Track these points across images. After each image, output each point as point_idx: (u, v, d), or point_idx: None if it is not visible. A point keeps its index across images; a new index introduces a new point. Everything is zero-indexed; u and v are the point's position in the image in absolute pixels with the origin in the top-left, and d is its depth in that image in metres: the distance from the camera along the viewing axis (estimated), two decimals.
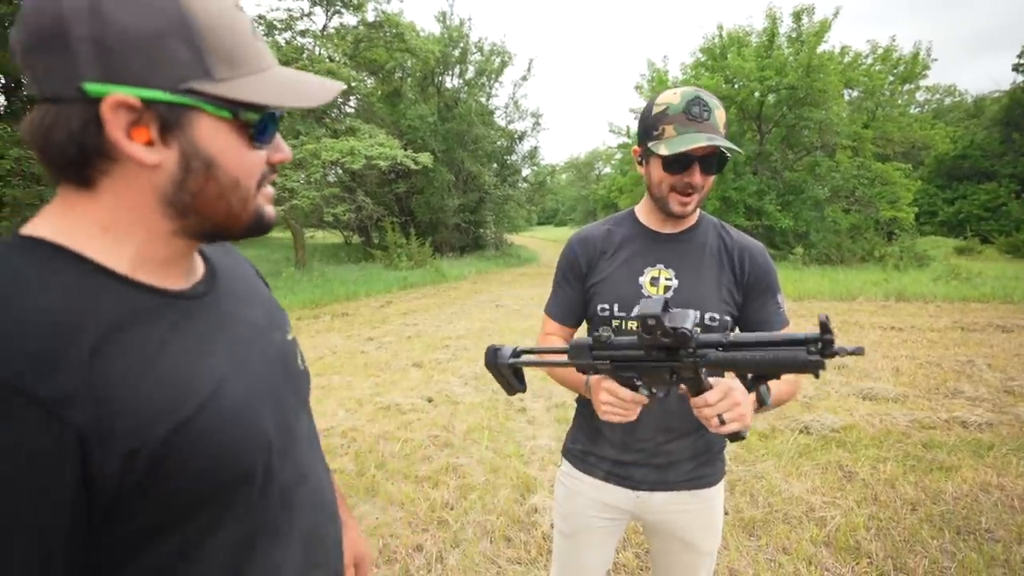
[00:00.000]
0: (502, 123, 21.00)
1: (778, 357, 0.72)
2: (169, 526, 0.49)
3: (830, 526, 2.44)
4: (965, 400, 4.07)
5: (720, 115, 1.05)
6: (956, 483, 2.81)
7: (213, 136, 0.50)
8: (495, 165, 20.65)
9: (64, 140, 0.46)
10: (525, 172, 22.94)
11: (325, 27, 14.06)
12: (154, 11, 0.45)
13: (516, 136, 21.37)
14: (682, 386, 0.87)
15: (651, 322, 0.78)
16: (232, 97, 0.49)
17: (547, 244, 28.45)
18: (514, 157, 21.93)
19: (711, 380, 0.87)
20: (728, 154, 1.05)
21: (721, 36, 16.56)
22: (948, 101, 37.19)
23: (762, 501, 2.66)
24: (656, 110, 1.08)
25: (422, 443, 3.39)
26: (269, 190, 0.58)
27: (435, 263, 13.97)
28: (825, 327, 0.69)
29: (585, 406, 1.25)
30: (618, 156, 24.35)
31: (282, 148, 0.57)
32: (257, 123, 0.52)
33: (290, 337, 0.70)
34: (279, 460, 0.58)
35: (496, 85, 20.34)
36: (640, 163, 1.16)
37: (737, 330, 1.17)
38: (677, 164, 1.05)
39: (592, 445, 1.22)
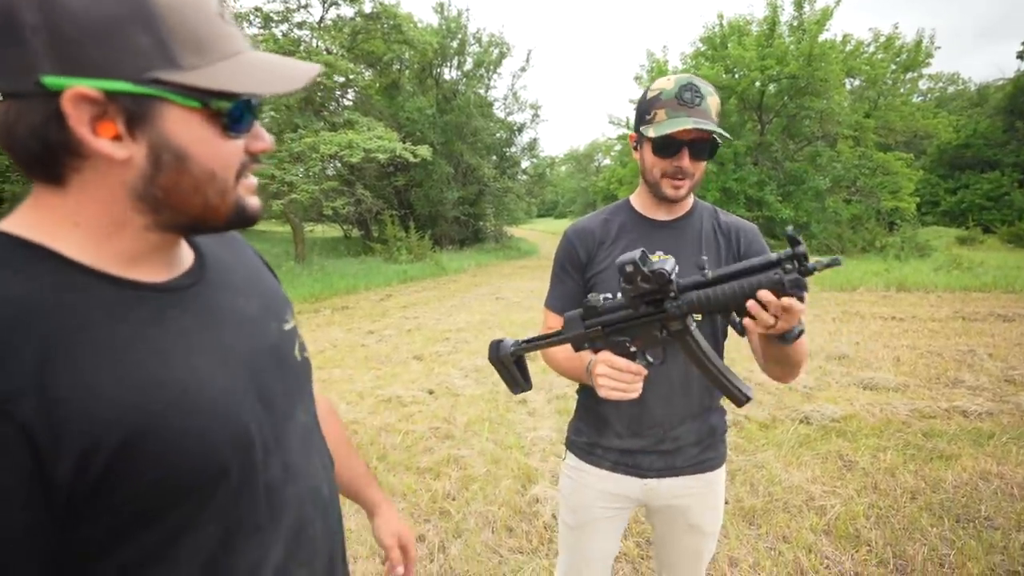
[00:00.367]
0: (501, 115, 20.88)
1: (760, 284, 0.70)
2: (140, 524, 0.48)
3: (830, 515, 2.45)
4: (966, 389, 4.07)
5: (713, 102, 1.06)
6: (956, 472, 2.82)
7: (183, 128, 0.47)
8: (494, 157, 20.56)
9: (27, 136, 0.44)
10: (524, 164, 22.86)
11: (322, 19, 13.94)
12: None
13: (515, 128, 21.25)
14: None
15: (629, 268, 0.78)
16: (200, 86, 0.46)
17: (547, 236, 28.40)
18: (513, 149, 21.84)
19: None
20: (719, 140, 1.06)
21: (722, 25, 16.41)
22: (951, 90, 36.91)
23: (762, 490, 2.68)
24: (650, 95, 1.09)
25: (423, 435, 3.40)
26: (251, 180, 0.55)
27: (435, 256, 13.96)
28: (794, 240, 0.68)
29: (588, 396, 1.25)
30: (618, 147, 24.24)
31: (262, 136, 0.54)
32: (230, 112, 0.49)
33: (288, 327, 0.67)
34: (264, 455, 0.56)
35: (495, 77, 20.24)
36: (635, 148, 1.17)
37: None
38: (667, 148, 1.06)
39: (598, 436, 1.22)
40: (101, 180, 0.47)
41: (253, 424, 0.55)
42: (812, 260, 0.67)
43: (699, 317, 1.13)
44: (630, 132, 1.20)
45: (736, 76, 15.14)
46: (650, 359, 0.89)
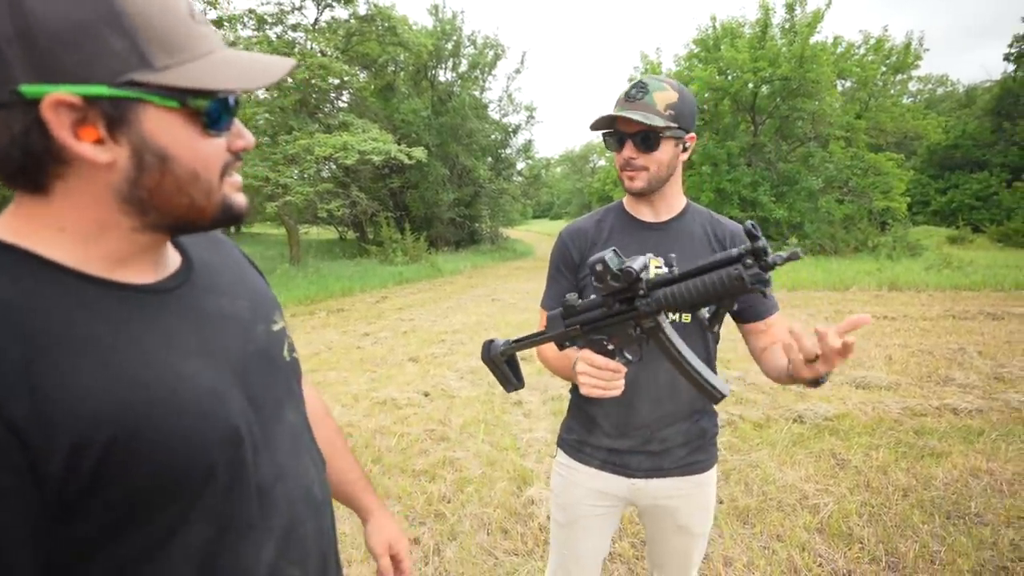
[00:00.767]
0: (496, 117, 20.90)
1: (722, 280, 0.70)
2: (131, 523, 0.48)
3: (823, 513, 2.47)
4: (956, 387, 4.12)
5: (661, 96, 1.09)
6: (946, 469, 2.85)
7: (163, 128, 0.48)
8: (489, 159, 20.58)
9: (8, 146, 0.45)
10: (520, 166, 22.90)
11: (316, 21, 13.92)
12: (78, 3, 0.43)
13: (510, 129, 21.28)
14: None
15: (599, 267, 0.80)
16: (176, 84, 0.46)
17: (542, 237, 28.43)
18: (508, 151, 21.86)
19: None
20: (665, 133, 1.09)
21: (714, 27, 16.49)
22: (940, 91, 37.31)
23: (756, 489, 2.70)
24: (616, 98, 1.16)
25: (419, 437, 3.40)
26: (236, 179, 0.56)
27: (430, 258, 13.94)
28: (751, 234, 0.67)
29: (579, 395, 1.26)
30: None
31: (243, 135, 0.55)
32: (208, 110, 0.50)
33: (277, 328, 0.68)
34: (253, 455, 0.57)
35: (490, 78, 20.23)
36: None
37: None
38: (614, 142, 1.14)
39: (587, 434, 1.24)
40: (85, 185, 0.47)
41: (241, 424, 0.55)
42: (772, 255, 0.68)
43: (688, 317, 1.14)
44: None
45: (729, 78, 15.22)
46: (628, 357, 0.90)
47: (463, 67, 19.43)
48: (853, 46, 16.30)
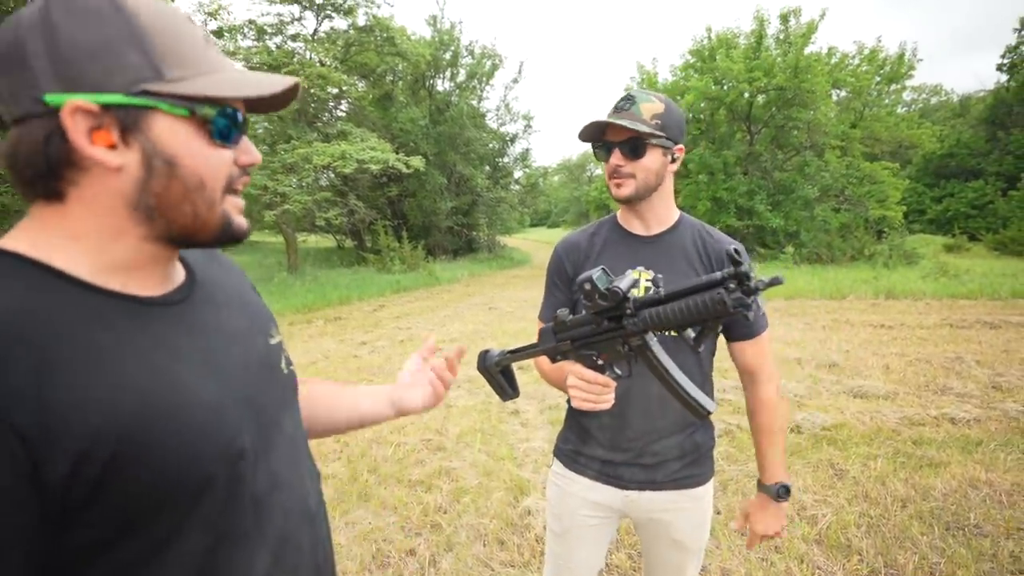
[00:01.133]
0: (494, 126, 21.03)
1: (705, 303, 0.71)
2: (129, 529, 0.49)
3: (821, 524, 2.46)
4: (954, 396, 4.11)
5: (648, 107, 1.12)
6: (945, 479, 2.84)
7: (172, 134, 0.51)
8: (487, 168, 20.67)
9: (31, 153, 0.48)
10: (517, 174, 23.00)
11: (316, 31, 14.03)
12: (102, 21, 0.48)
13: (508, 138, 21.41)
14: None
15: (587, 286, 0.81)
16: (185, 93, 0.50)
17: (540, 246, 28.49)
18: (506, 159, 21.98)
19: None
20: (651, 140, 1.11)
21: (710, 38, 16.67)
22: (934, 100, 37.69)
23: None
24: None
25: (415, 447, 3.38)
26: (239, 201, 0.58)
27: (428, 266, 13.94)
28: (734, 259, 0.68)
29: (571, 404, 1.26)
30: None
31: (250, 151, 0.58)
32: (215, 119, 0.53)
33: (274, 341, 0.70)
34: (251, 467, 0.58)
35: (487, 88, 20.39)
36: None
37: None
38: (602, 151, 1.16)
39: (582, 445, 1.24)
40: (98, 191, 0.50)
41: (240, 435, 0.56)
42: (754, 280, 0.68)
43: (674, 332, 1.15)
44: None
45: (725, 87, 15.36)
46: (618, 371, 0.92)
47: (461, 77, 19.58)
48: (847, 56, 16.49)
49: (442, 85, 19.55)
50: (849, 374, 4.71)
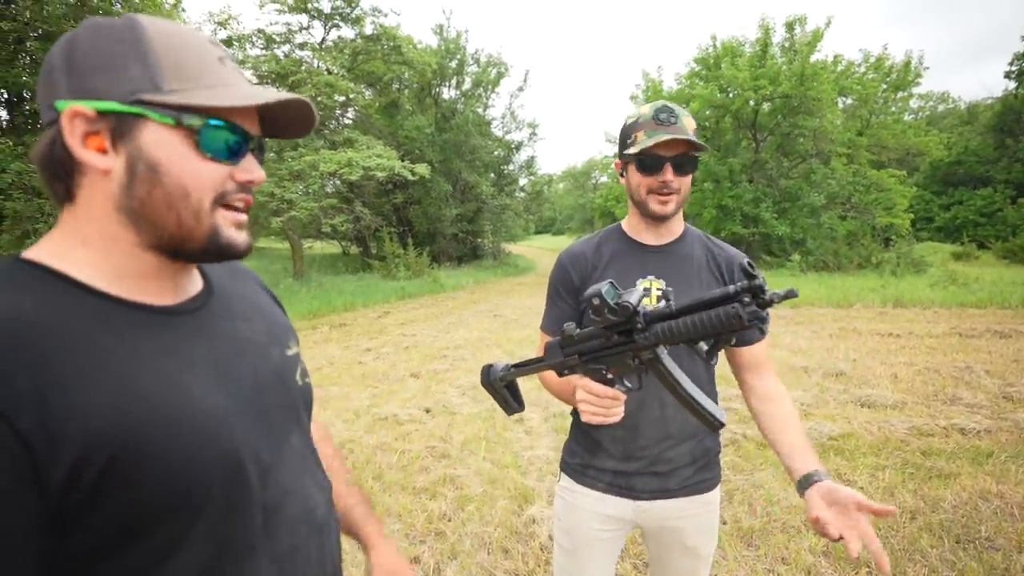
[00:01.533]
0: (499, 133, 21.16)
1: (719, 317, 0.71)
2: (128, 538, 0.49)
3: None
4: (963, 407, 4.06)
5: (688, 122, 1.11)
6: (955, 491, 2.80)
7: (157, 142, 0.52)
8: (492, 175, 20.77)
9: (44, 156, 0.53)
10: (522, 182, 23.08)
11: (323, 40, 14.22)
12: (115, 38, 0.51)
13: (513, 146, 21.52)
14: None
15: (596, 301, 0.80)
16: (174, 102, 0.52)
17: (545, 253, 28.52)
18: (511, 167, 22.07)
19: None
20: (698, 156, 1.11)
21: (715, 46, 16.74)
22: (942, 108, 37.50)
23: (760, 510, 2.65)
24: (629, 122, 1.16)
25: (419, 454, 3.37)
26: (237, 216, 0.57)
27: (433, 273, 13.98)
28: (748, 273, 0.68)
29: (581, 418, 1.25)
30: (614, 165, 24.51)
31: (251, 169, 0.58)
32: (201, 130, 0.53)
33: (291, 352, 0.70)
34: (259, 478, 0.58)
35: (493, 96, 20.58)
36: (621, 175, 1.22)
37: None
38: (651, 165, 1.11)
39: (591, 457, 1.23)
40: (93, 193, 0.53)
41: (246, 444, 0.56)
42: (769, 293, 0.68)
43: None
44: (616, 160, 1.24)
45: (730, 95, 15.40)
46: (628, 385, 0.90)
47: (467, 85, 19.73)
48: (853, 64, 16.51)
49: (448, 93, 19.72)
50: (857, 383, 4.67)
